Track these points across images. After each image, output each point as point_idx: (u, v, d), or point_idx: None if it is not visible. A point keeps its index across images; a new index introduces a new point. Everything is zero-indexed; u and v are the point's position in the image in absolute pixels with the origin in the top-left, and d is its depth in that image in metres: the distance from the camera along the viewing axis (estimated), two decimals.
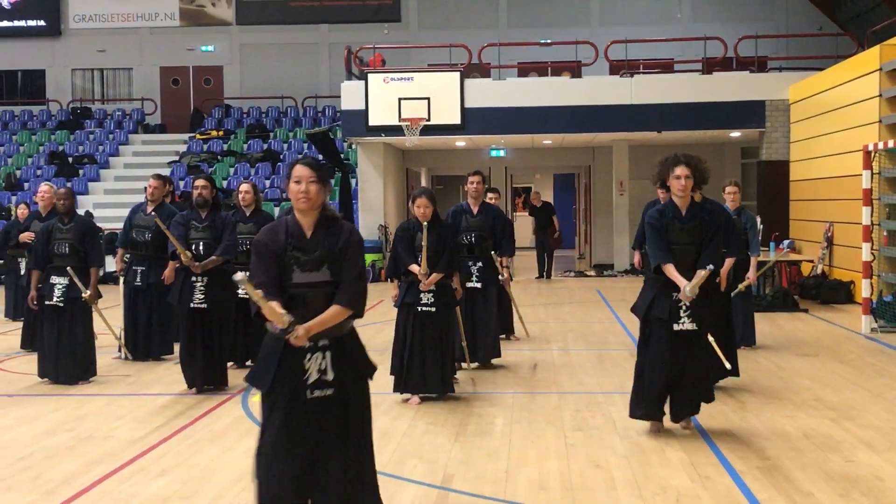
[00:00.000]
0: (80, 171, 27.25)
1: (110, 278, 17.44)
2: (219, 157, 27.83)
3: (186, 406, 9.12)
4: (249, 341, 10.97)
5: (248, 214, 11.15)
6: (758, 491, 6.31)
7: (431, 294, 8.97)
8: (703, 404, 8.01)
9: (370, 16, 31.92)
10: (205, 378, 9.70)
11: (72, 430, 8.25)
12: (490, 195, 12.04)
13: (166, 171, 26.64)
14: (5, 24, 32.82)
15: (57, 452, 7.50)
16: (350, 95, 21.96)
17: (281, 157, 27.64)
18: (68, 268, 9.88)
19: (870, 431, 7.85)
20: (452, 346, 9.37)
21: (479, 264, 10.87)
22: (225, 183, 25.85)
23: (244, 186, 11.33)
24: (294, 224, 5.09)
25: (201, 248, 9.78)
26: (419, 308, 8.99)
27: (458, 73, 21.73)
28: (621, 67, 23.01)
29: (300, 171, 5.02)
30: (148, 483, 6.67)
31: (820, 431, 7.88)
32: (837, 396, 9.21)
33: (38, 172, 27.03)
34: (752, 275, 11.12)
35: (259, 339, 10.92)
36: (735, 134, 22.79)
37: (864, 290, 13.49)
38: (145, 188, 11.79)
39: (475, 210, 11.08)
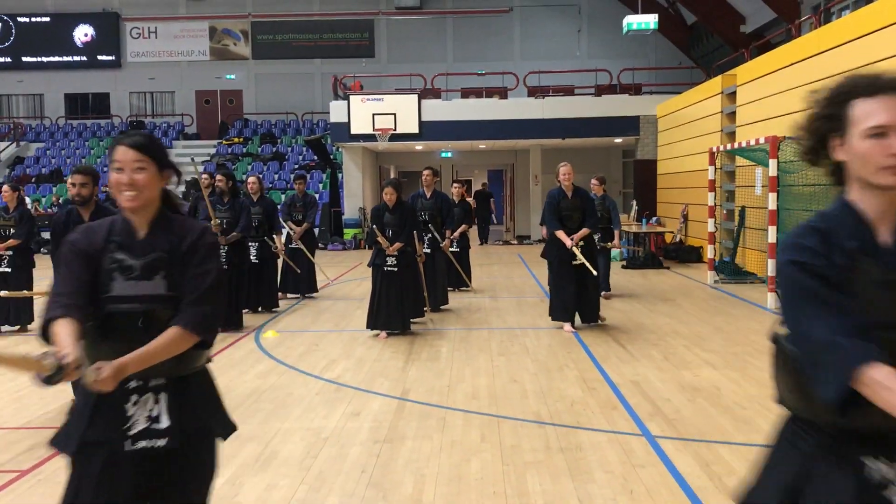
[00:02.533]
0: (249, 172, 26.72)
1: None
2: (239, 157, 27.41)
3: None
4: (260, 292, 10.92)
5: (255, 200, 10.99)
6: (629, 397, 6.33)
7: (394, 258, 8.89)
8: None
9: (352, 52, 31.52)
10: (225, 320, 9.56)
11: None
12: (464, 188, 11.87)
13: (201, 170, 26.29)
14: (80, 58, 32.06)
15: None
16: (337, 111, 21.68)
17: (286, 157, 27.28)
18: None
19: (712, 355, 7.89)
20: (412, 296, 9.26)
21: (429, 235, 10.81)
22: (244, 176, 25.52)
23: (251, 178, 11.14)
24: (122, 221, 2.71)
25: (224, 225, 9.63)
26: (385, 268, 8.91)
27: (416, 96, 21.52)
28: (536, 91, 22.90)
29: (122, 154, 2.65)
30: None
31: (676, 354, 7.93)
32: (689, 329, 9.26)
33: (104, 170, 26.47)
34: (616, 242, 11.81)
35: (267, 292, 11.08)
36: (618, 140, 22.78)
37: (709, 252, 13.59)
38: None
39: (428, 195, 10.99)
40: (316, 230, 14.29)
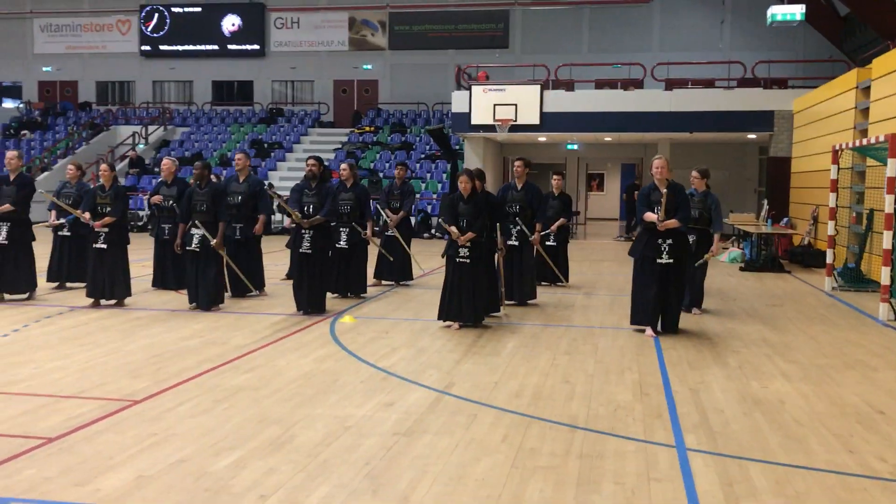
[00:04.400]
0: (272, 154, 27.71)
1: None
2: (368, 145, 27.90)
3: (291, 323, 9.11)
4: (349, 277, 11.02)
5: (348, 186, 11.09)
6: (680, 405, 5.96)
7: (466, 249, 8.75)
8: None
9: (486, 43, 31.51)
10: (309, 303, 9.68)
11: (202, 337, 8.29)
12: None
13: (331, 157, 26.97)
14: (227, 47, 33.47)
15: (183, 352, 7.55)
16: (458, 102, 21.68)
17: (413, 146, 27.54)
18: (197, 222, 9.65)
19: (793, 366, 7.34)
20: (485, 288, 9.08)
21: (518, 228, 10.60)
22: (372, 165, 25.96)
23: (343, 165, 11.24)
24: None
25: (311, 209, 9.69)
26: (457, 259, 8.79)
27: (538, 87, 21.22)
28: (674, 84, 22.09)
29: None
30: (234, 377, 6.66)
31: (752, 363, 7.42)
32: (780, 338, 8.67)
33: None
34: (714, 248, 9.96)
35: (356, 278, 11.11)
36: (752, 136, 21.70)
37: (828, 257, 12.69)
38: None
39: (519, 186, 10.77)
40: (413, 219, 14.30)
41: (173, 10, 33.54)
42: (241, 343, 8.00)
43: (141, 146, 29.40)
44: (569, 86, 22.93)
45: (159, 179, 11.80)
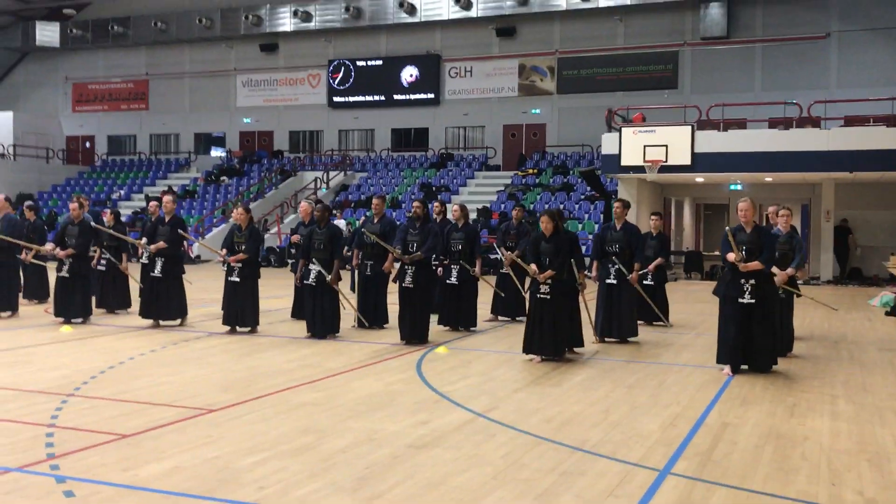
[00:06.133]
0: (438, 196, 28.99)
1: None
2: (531, 187, 28.58)
3: (388, 351, 9.85)
4: (460, 312, 11.66)
5: (459, 226, 11.78)
6: (699, 436, 6.13)
7: (548, 286, 9.18)
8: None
9: (654, 84, 31.52)
10: (411, 333, 10.38)
11: (303, 361, 9.19)
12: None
13: (493, 199, 27.90)
14: (405, 96, 35.43)
15: (278, 373, 8.43)
16: (608, 143, 21.98)
17: (574, 187, 27.94)
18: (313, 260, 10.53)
19: (851, 407, 7.20)
20: (567, 324, 9.43)
21: (617, 266, 10.87)
22: (532, 206, 26.60)
23: (454, 207, 11.95)
24: None
25: (414, 246, 10.50)
26: (538, 295, 9.24)
27: (689, 127, 21.14)
28: (855, 121, 21.28)
29: None
30: (306, 394, 7.44)
31: (809, 402, 7.34)
32: (863, 380, 8.43)
33: (412, 196, 29.03)
34: (782, 276, 9.51)
35: (466, 312, 11.71)
36: None
37: None
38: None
39: (618, 227, 11.07)
40: None
41: (358, 63, 35.94)
42: (332, 367, 8.84)
43: (323, 190, 31.63)
44: (741, 125, 22.68)
45: (299, 220, 13.02)
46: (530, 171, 30.13)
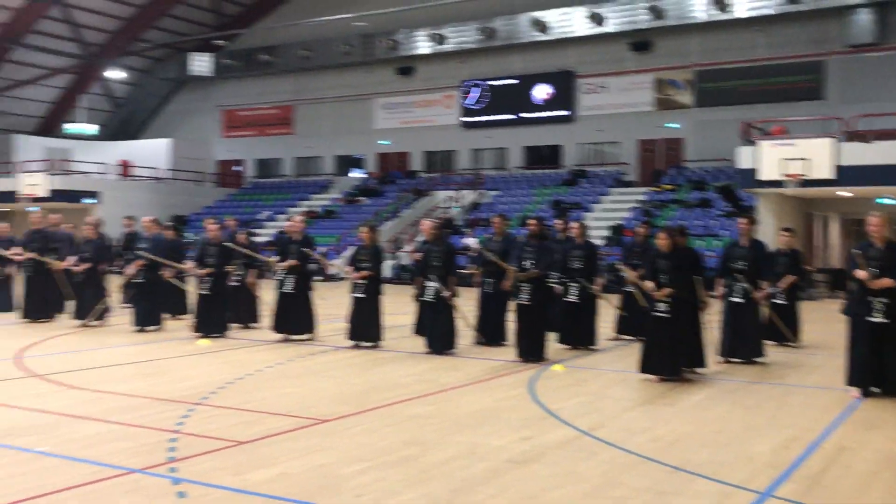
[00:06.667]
0: (569, 214, 28.83)
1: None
2: (667, 203, 28.01)
3: (504, 368, 9.89)
4: (581, 330, 11.58)
5: (578, 243, 11.73)
6: (812, 459, 5.90)
7: (665, 304, 9.02)
8: None
9: (798, 95, 30.25)
10: (527, 351, 10.38)
11: (419, 375, 9.40)
12: None
13: (627, 216, 27.51)
14: (538, 114, 35.50)
15: (394, 387, 8.66)
16: (744, 158, 21.30)
17: (711, 203, 27.18)
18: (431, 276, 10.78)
19: None
20: (686, 343, 9.20)
21: (742, 285, 10.55)
22: (666, 223, 26.05)
23: (574, 224, 11.92)
24: None
25: (528, 263, 10.54)
26: (655, 314, 9.10)
27: (829, 140, 20.19)
28: None
29: None
30: (417, 408, 7.62)
31: None
32: None
33: (542, 214, 29.01)
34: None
35: (586, 331, 11.62)
36: None
37: None
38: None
39: (742, 243, 10.75)
40: None
41: (491, 83, 36.30)
42: (446, 381, 9.01)
43: (455, 209, 32.10)
44: (892, 135, 21.52)
45: (422, 239, 13.32)
46: (666, 186, 29.53)
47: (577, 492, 5.17)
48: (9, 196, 32.83)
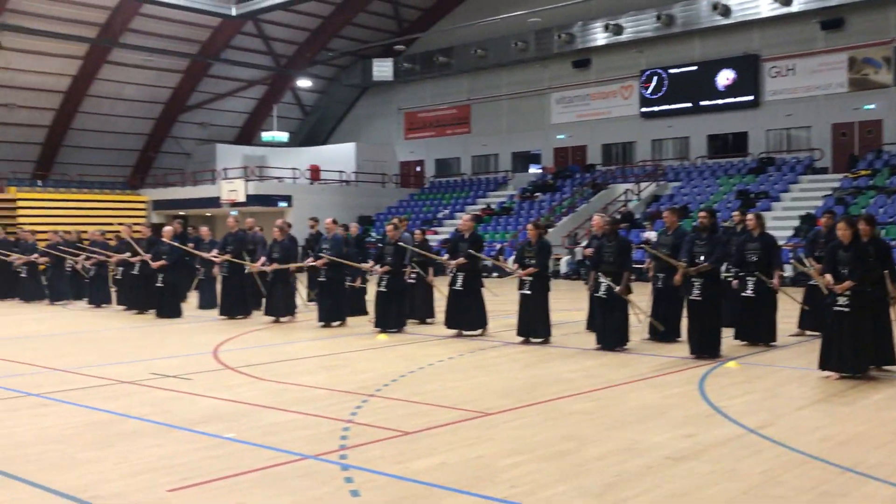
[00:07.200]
0: (756, 204, 27.66)
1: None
2: (863, 190, 26.28)
3: (675, 365, 9.71)
4: (758, 326, 11.18)
5: (754, 235, 11.30)
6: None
7: (847, 298, 8.55)
8: None
9: None
10: (700, 347, 10.14)
11: (586, 371, 9.41)
12: None
13: (819, 204, 26.06)
14: (721, 101, 34.24)
15: (558, 382, 8.75)
16: None
17: None
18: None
19: None
20: (867, 339, 8.60)
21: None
22: (863, 210, 24.47)
23: (749, 216, 11.48)
24: None
25: (701, 257, 10.28)
26: (835, 308, 8.63)
27: None
28: None
29: None
30: (579, 404, 7.65)
31: None
32: None
33: (728, 205, 27.99)
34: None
35: (765, 327, 11.18)
36: None
37: None
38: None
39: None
40: None
41: (670, 71, 35.38)
42: (613, 378, 9.00)
43: (634, 202, 31.56)
44: None
45: (593, 234, 13.28)
46: (862, 172, 27.70)
47: (733, 490, 5.09)
48: (213, 201, 35.53)
